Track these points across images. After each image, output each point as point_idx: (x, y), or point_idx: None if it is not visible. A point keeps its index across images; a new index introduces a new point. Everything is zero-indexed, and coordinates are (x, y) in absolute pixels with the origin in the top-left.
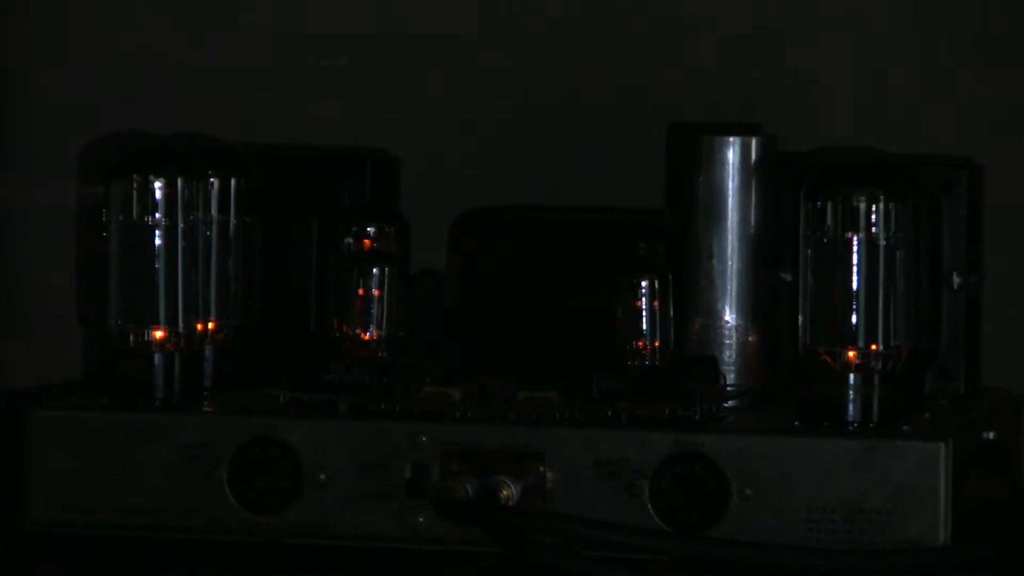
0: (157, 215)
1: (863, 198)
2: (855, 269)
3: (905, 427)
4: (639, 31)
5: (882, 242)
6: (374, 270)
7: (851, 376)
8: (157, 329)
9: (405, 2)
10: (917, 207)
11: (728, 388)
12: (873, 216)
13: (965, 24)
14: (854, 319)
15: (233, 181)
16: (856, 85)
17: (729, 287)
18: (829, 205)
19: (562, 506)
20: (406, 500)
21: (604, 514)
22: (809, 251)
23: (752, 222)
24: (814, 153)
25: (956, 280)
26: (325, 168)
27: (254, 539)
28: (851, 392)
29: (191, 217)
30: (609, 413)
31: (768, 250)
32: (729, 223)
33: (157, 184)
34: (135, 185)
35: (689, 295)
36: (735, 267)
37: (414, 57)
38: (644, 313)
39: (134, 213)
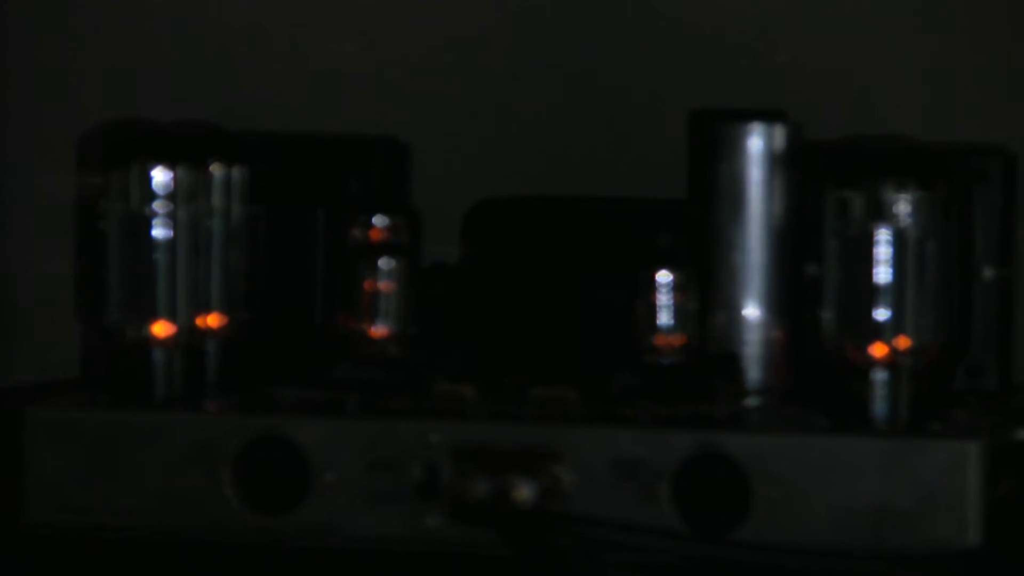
0: (157, 205)
1: (892, 188)
2: (883, 262)
3: (935, 426)
4: (660, 15)
5: (911, 234)
6: (382, 263)
7: (879, 373)
8: (157, 323)
9: None
10: (948, 197)
11: (751, 386)
12: (901, 207)
13: (999, 10)
14: (882, 314)
15: (236, 170)
16: (885, 72)
17: (752, 280)
18: (856, 195)
19: (579, 508)
20: (417, 502)
21: (623, 516)
22: (835, 243)
23: (776, 213)
24: (841, 142)
25: (988, 273)
26: (332, 156)
27: (258, 541)
28: (879, 389)
29: (192, 207)
30: (628, 412)
31: (793, 242)
32: (752, 214)
33: (157, 172)
34: (134, 174)
35: (710, 289)
36: (758, 260)
37: (425, 42)
38: (664, 307)
39: (133, 203)
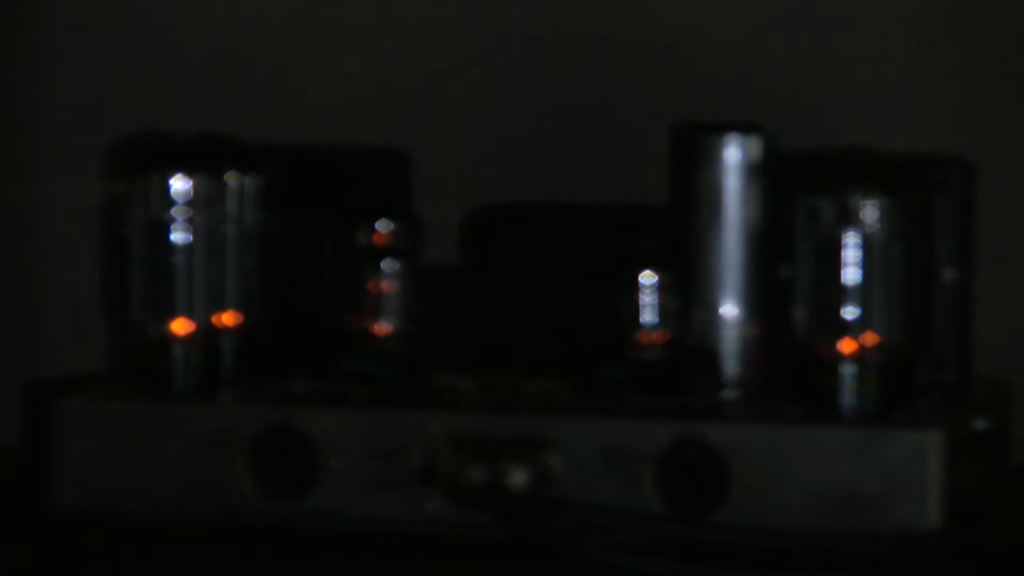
0: (176, 211)
1: (859, 195)
2: (851, 263)
3: (899, 416)
4: (644, 37)
5: (877, 238)
6: (386, 265)
7: (847, 367)
8: (176, 321)
9: (415, 11)
10: (911, 204)
11: (728, 379)
12: (867, 212)
13: (958, 32)
14: (850, 312)
15: (249, 179)
16: (853, 87)
17: (729, 281)
18: (826, 202)
19: (569, 492)
20: (417, 487)
21: (609, 500)
22: (807, 246)
23: (752, 219)
24: (812, 152)
25: (948, 275)
26: (338, 166)
27: (270, 524)
28: (847, 382)
29: (209, 213)
30: (614, 403)
31: (767, 245)
32: (729, 219)
33: (176, 181)
34: (155, 182)
35: (690, 289)
36: (735, 262)
37: (426, 60)
38: (647, 306)
39: (154, 209)
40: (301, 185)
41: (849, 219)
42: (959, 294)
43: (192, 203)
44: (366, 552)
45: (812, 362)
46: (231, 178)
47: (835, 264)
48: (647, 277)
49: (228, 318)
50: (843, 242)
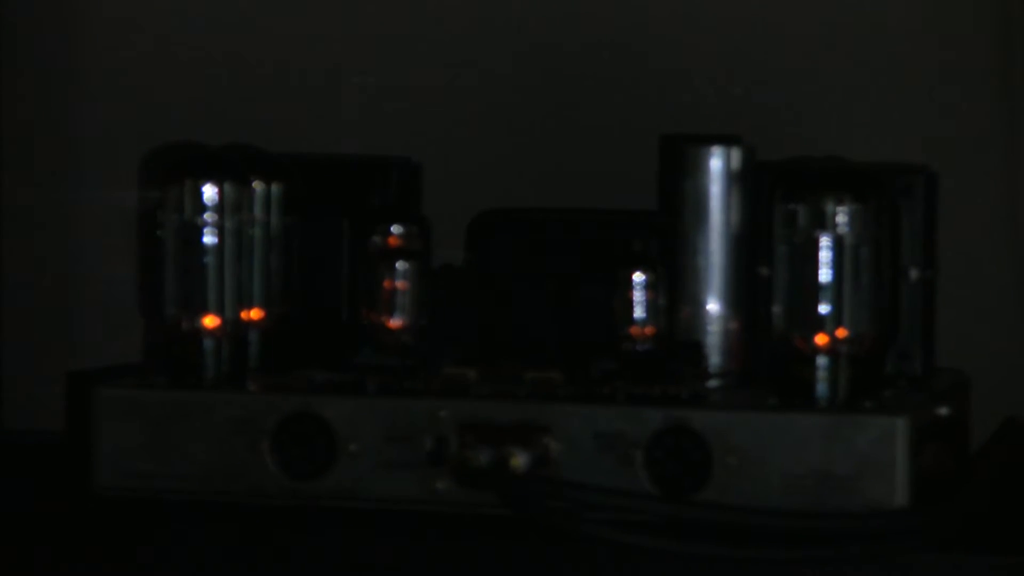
0: (207, 215)
1: (831, 201)
2: (824, 264)
3: (868, 404)
4: (635, 54)
5: (848, 240)
6: (399, 265)
7: (821, 359)
8: (207, 317)
9: (421, 27)
10: (879, 209)
11: (712, 370)
12: (840, 217)
13: (921, 52)
14: (823, 308)
15: (274, 186)
16: (825, 102)
17: (713, 280)
18: (801, 207)
19: (566, 474)
20: (427, 468)
21: (602, 481)
22: (784, 248)
23: (734, 222)
24: (788, 162)
25: (913, 274)
26: (356, 174)
27: (292, 503)
28: (821, 373)
29: (237, 218)
30: (607, 391)
31: (747, 247)
32: (713, 224)
33: (207, 188)
34: (187, 189)
35: (678, 287)
36: (718, 262)
37: (433, 78)
38: (638, 303)
39: (187, 214)
40: (321, 191)
41: (823, 223)
42: (923, 292)
43: (221, 208)
44: (380, 529)
45: (789, 354)
46: (257, 185)
47: (810, 264)
48: (638, 276)
49: (255, 314)
50: (817, 244)
